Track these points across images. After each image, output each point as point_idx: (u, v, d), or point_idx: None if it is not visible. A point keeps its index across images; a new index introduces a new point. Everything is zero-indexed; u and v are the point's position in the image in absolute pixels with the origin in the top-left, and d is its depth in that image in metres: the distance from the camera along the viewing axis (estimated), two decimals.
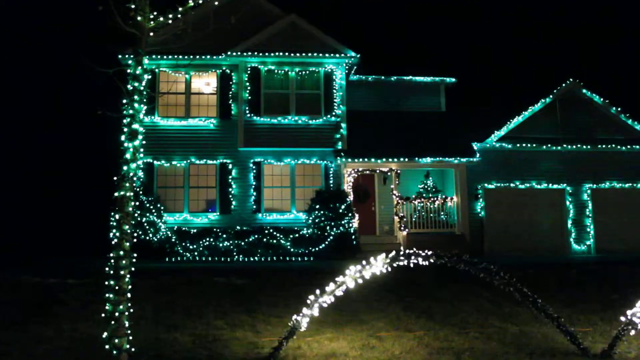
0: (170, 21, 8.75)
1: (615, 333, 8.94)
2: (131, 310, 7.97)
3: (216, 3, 21.38)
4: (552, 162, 22.89)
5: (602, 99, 23.29)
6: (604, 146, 22.95)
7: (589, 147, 22.87)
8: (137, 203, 19.13)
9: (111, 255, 7.88)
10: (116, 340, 7.66)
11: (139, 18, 8.34)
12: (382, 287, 12.44)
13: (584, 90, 23.26)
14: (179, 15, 8.80)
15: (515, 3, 45.23)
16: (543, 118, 23.09)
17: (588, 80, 23.68)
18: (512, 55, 38.49)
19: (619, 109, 23.30)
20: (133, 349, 7.82)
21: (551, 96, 23.08)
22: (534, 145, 22.64)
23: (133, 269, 8.05)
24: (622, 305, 11.49)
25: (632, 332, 8.92)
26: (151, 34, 8.60)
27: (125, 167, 8.07)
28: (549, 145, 22.71)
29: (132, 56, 8.53)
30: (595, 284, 13.94)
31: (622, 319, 9.03)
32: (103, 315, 7.69)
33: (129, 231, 8.00)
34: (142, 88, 8.44)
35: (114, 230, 7.95)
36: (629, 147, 23.06)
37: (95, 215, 21.98)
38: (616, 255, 20.95)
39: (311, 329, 9.34)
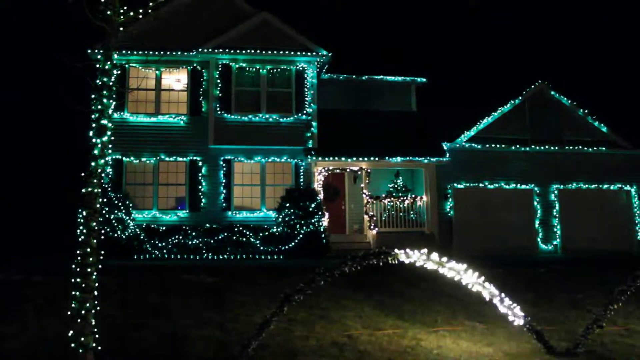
0: (140, 16, 8.65)
1: (580, 332, 9.08)
2: (98, 308, 7.86)
3: None
4: (520, 162, 23.15)
5: (570, 101, 23.61)
6: (571, 147, 23.29)
7: (556, 148, 23.18)
8: (105, 200, 18.88)
9: (78, 252, 7.77)
10: (82, 339, 7.55)
11: (108, 12, 8.23)
12: (352, 286, 12.46)
13: (553, 92, 23.57)
14: (150, 11, 8.70)
15: (488, 6, 45.60)
16: (512, 119, 23.35)
17: (557, 83, 24.07)
18: (483, 57, 38.84)
19: (587, 111, 23.64)
20: (99, 347, 7.71)
21: (520, 97, 23.34)
22: (503, 145, 22.87)
23: (100, 266, 7.95)
24: (587, 304, 11.71)
25: (597, 331, 9.07)
26: (121, 28, 8.49)
27: (93, 163, 7.96)
28: (518, 146, 22.97)
29: (101, 51, 8.42)
30: (562, 283, 14.14)
31: (588, 317, 9.18)
32: (69, 313, 7.57)
33: (96, 228, 7.89)
34: (111, 83, 8.32)
35: (81, 227, 7.83)
36: (595, 148, 23.43)
37: (62, 212, 21.70)
38: (582, 255, 21.25)
39: (280, 328, 9.32)
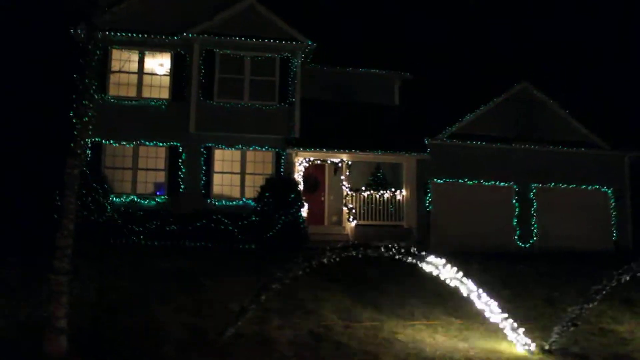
0: None
1: (555, 329, 9.14)
2: (74, 292, 7.77)
3: None
4: (501, 160, 23.20)
5: (552, 101, 23.72)
6: (551, 147, 23.39)
7: (537, 147, 23.27)
8: (83, 182, 18.66)
9: (55, 235, 7.67)
10: (57, 322, 7.46)
11: None
12: (329, 278, 12.46)
13: (535, 91, 23.64)
14: None
15: (482, 5, 45.65)
16: (494, 117, 23.40)
17: (541, 82, 24.10)
18: (467, 54, 38.92)
19: (568, 111, 23.77)
20: (72, 331, 7.63)
21: (503, 95, 23.39)
22: (484, 143, 22.91)
23: (76, 249, 7.85)
24: (562, 302, 11.80)
25: (572, 329, 9.15)
26: (106, 9, 8.38)
27: (72, 145, 7.85)
28: (499, 143, 23.02)
29: (84, 31, 8.29)
30: (538, 281, 14.26)
31: (563, 315, 9.25)
32: (44, 295, 7.48)
33: (73, 211, 7.79)
34: (93, 64, 8.21)
35: (59, 210, 7.73)
36: (575, 148, 23.55)
37: (39, 195, 21.41)
38: (559, 253, 21.40)
39: (257, 317, 9.29)
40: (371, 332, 9.49)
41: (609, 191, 23.98)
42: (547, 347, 9.04)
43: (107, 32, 19.62)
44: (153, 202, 20.51)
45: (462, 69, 31.88)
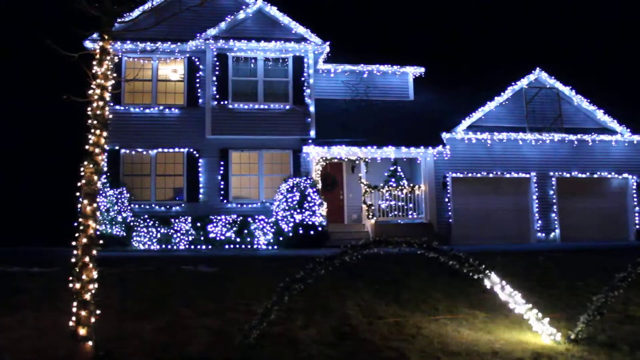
0: (137, 6, 8.59)
1: (581, 318, 9.06)
2: (97, 298, 7.82)
3: None
4: (518, 150, 23.08)
5: (569, 88, 23.56)
6: (570, 135, 23.22)
7: (555, 136, 23.12)
8: (103, 191, 18.84)
9: (76, 243, 7.72)
10: (82, 329, 7.52)
11: (106, 1, 8.16)
12: (351, 275, 12.43)
13: (551, 79, 23.49)
14: (149, 0, 8.64)
15: None
16: (510, 107, 23.32)
17: (555, 69, 23.94)
18: (481, 44, 38.74)
19: (586, 98, 23.58)
20: (99, 338, 7.68)
21: (518, 85, 23.29)
22: (501, 134, 22.80)
23: (98, 256, 7.90)
24: (587, 292, 11.69)
25: (598, 317, 9.07)
26: (118, 19, 8.45)
27: (92, 153, 7.91)
28: (516, 133, 22.90)
29: (98, 41, 8.35)
30: (561, 271, 14.12)
31: (588, 304, 9.17)
32: (68, 304, 7.54)
33: (95, 218, 7.85)
34: (108, 73, 8.27)
35: (80, 218, 7.79)
36: (594, 136, 23.36)
37: (59, 203, 21.60)
38: (580, 243, 21.26)
39: (281, 317, 9.29)
40: (395, 328, 9.46)
41: (631, 178, 23.72)
42: (573, 337, 8.96)
43: (119, 42, 19.83)
44: (172, 208, 20.63)
45: (475, 60, 31.70)
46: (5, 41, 28.73)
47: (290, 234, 19.56)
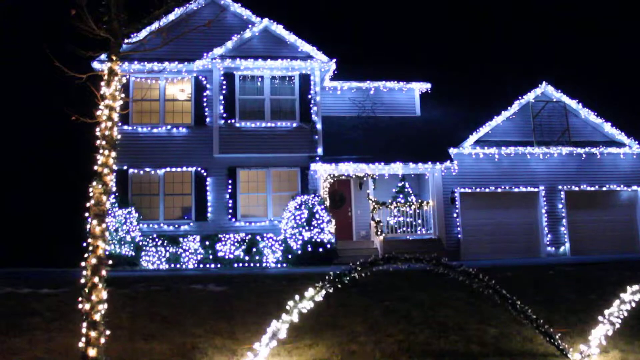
0: (144, 27, 8.67)
1: (593, 332, 8.99)
2: (107, 319, 7.82)
3: (192, 6, 21.37)
4: (526, 164, 23.04)
5: (575, 101, 23.55)
6: (578, 149, 23.16)
7: (562, 149, 23.07)
8: (112, 211, 18.90)
9: (85, 263, 7.74)
10: (92, 350, 7.52)
11: (114, 23, 8.24)
12: (360, 292, 12.39)
13: (558, 93, 23.49)
14: (156, 21, 8.71)
15: (491, 8, 45.65)
16: (517, 121, 23.31)
17: (562, 83, 23.94)
18: (487, 59, 38.80)
19: (592, 111, 23.56)
20: (110, 359, 7.68)
21: (525, 99, 23.29)
22: (509, 148, 22.77)
23: (107, 277, 7.92)
24: (598, 306, 11.57)
25: (610, 332, 8.99)
26: (126, 40, 8.52)
27: (100, 173, 7.95)
28: (524, 147, 22.86)
29: (105, 62, 8.42)
30: (572, 285, 14.03)
31: (600, 319, 9.10)
32: (78, 324, 7.54)
33: (104, 239, 7.87)
34: (116, 94, 8.33)
35: (89, 238, 7.81)
36: (602, 149, 23.30)
37: (67, 224, 21.69)
38: (590, 257, 21.14)
39: (290, 335, 9.25)
40: (404, 345, 9.41)
41: None
42: (585, 352, 8.89)
43: (126, 63, 19.96)
44: (181, 227, 20.65)
45: (481, 75, 31.71)
46: (13, 61, 28.98)
47: (299, 252, 19.54)
